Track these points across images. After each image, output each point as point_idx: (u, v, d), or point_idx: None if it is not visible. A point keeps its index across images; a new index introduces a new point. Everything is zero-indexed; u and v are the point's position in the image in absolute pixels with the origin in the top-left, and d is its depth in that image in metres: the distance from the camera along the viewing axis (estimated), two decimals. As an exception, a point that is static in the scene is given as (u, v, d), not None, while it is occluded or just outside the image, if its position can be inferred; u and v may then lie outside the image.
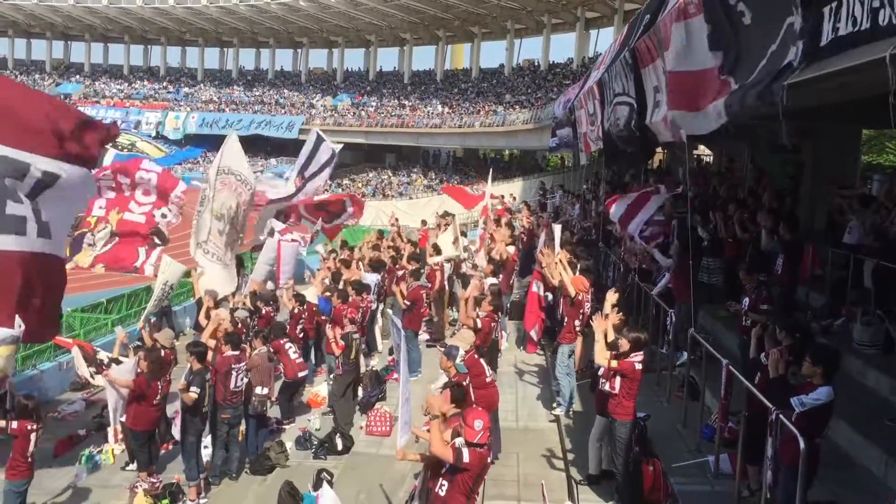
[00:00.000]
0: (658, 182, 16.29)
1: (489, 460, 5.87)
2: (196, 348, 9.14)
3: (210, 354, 9.46)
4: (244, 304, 12.42)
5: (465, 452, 5.45)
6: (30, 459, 7.91)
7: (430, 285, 13.51)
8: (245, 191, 12.84)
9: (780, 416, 5.43)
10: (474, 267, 14.62)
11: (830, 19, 4.08)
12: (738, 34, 5.20)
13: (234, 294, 13.03)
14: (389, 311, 13.50)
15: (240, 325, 11.00)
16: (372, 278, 13.65)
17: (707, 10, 5.48)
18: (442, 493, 5.57)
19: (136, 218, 13.20)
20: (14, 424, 7.85)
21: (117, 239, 13.09)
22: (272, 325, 11.60)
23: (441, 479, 5.62)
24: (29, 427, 7.85)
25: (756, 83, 4.86)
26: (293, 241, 14.59)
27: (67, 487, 9.72)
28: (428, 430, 5.97)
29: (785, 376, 5.88)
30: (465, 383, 7.42)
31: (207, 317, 11.12)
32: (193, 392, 8.74)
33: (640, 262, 12.05)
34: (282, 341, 10.70)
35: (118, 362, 10.87)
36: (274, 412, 11.02)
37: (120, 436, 10.52)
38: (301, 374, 11.01)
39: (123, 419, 9.78)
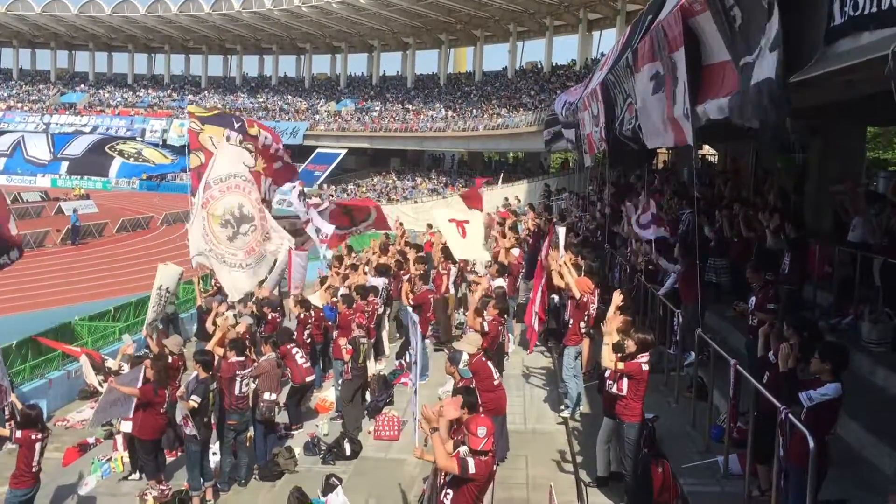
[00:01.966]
0: (663, 182, 16.32)
1: (494, 467, 5.77)
2: (202, 357, 9.14)
3: (221, 352, 9.47)
4: (252, 310, 12.44)
5: (471, 463, 5.33)
6: (34, 469, 7.89)
7: (434, 289, 13.52)
8: (253, 188, 12.80)
9: (789, 415, 5.41)
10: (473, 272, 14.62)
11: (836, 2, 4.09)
12: (735, 35, 5.22)
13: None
14: (409, 309, 13.46)
15: (244, 332, 11.01)
16: (379, 282, 13.66)
17: (711, 9, 5.49)
18: (447, 503, 5.50)
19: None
20: (18, 434, 7.86)
21: None
22: (279, 331, 11.62)
23: (446, 488, 5.53)
24: (33, 436, 7.83)
25: (749, 92, 4.89)
26: (303, 249, 14.65)
27: (77, 496, 9.74)
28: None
29: (794, 371, 5.86)
30: (471, 387, 7.42)
31: (215, 324, 11.14)
32: (193, 401, 8.69)
33: (647, 263, 12.03)
34: (289, 346, 10.71)
35: (117, 373, 10.87)
36: (282, 418, 11.03)
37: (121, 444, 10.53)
38: (308, 379, 11.01)
39: (126, 427, 9.72)
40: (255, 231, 12.61)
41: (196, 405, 8.69)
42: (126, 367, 10.20)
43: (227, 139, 13.98)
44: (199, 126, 14.48)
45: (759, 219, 10.49)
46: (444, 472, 5.63)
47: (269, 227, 13.00)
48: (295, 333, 11.84)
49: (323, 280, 14.26)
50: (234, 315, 11.48)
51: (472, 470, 5.32)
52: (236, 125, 14.78)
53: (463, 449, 5.51)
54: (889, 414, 6.99)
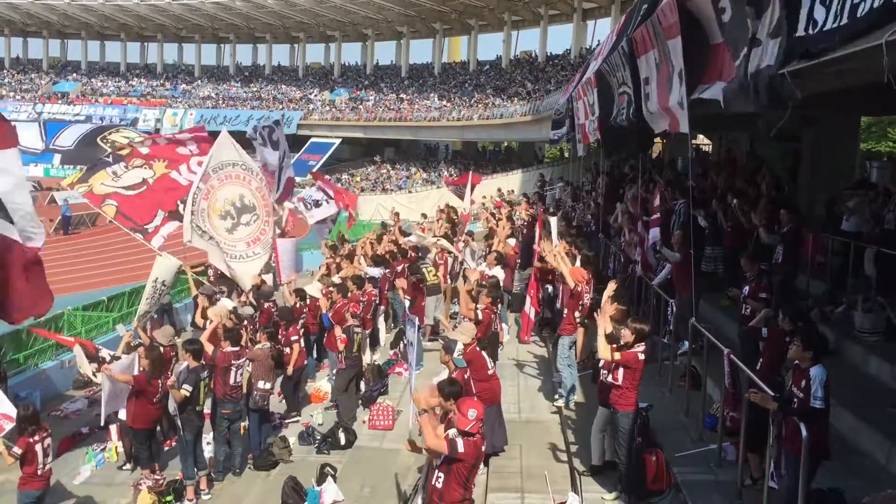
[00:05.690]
0: (658, 173, 16.31)
1: (483, 449, 5.80)
2: (191, 346, 9.09)
3: (211, 348, 9.43)
4: (249, 301, 12.40)
5: (460, 442, 5.40)
6: (40, 472, 7.71)
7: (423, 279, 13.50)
8: (253, 177, 12.59)
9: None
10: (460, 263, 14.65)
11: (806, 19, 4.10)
12: (723, 25, 5.23)
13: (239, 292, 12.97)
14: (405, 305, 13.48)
15: (246, 322, 11.00)
16: (375, 272, 13.65)
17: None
18: (439, 486, 5.53)
19: (180, 180, 12.64)
20: (17, 450, 7.60)
21: (145, 188, 12.32)
22: (280, 311, 11.63)
23: (437, 471, 5.58)
24: (31, 441, 7.61)
25: (740, 81, 4.89)
26: (291, 236, 14.58)
27: (71, 486, 9.74)
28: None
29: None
30: (465, 376, 7.44)
31: (204, 316, 11.10)
32: (185, 390, 8.64)
33: (641, 253, 12.03)
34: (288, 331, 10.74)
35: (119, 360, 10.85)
36: (276, 407, 11.03)
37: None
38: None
39: (122, 416, 9.73)
40: (257, 220, 12.42)
41: (188, 394, 8.67)
42: (126, 356, 10.22)
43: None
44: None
45: (755, 210, 10.51)
46: (434, 455, 5.66)
47: (278, 212, 12.83)
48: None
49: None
50: (236, 308, 11.45)
51: (461, 449, 5.40)
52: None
53: (452, 430, 5.57)
54: (881, 402, 7.03)
